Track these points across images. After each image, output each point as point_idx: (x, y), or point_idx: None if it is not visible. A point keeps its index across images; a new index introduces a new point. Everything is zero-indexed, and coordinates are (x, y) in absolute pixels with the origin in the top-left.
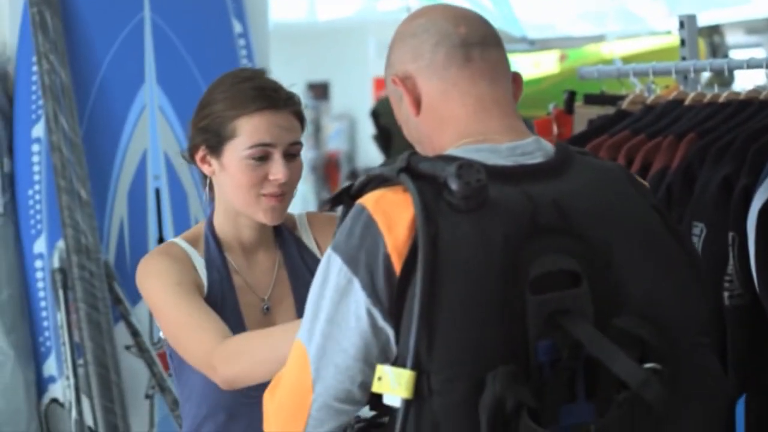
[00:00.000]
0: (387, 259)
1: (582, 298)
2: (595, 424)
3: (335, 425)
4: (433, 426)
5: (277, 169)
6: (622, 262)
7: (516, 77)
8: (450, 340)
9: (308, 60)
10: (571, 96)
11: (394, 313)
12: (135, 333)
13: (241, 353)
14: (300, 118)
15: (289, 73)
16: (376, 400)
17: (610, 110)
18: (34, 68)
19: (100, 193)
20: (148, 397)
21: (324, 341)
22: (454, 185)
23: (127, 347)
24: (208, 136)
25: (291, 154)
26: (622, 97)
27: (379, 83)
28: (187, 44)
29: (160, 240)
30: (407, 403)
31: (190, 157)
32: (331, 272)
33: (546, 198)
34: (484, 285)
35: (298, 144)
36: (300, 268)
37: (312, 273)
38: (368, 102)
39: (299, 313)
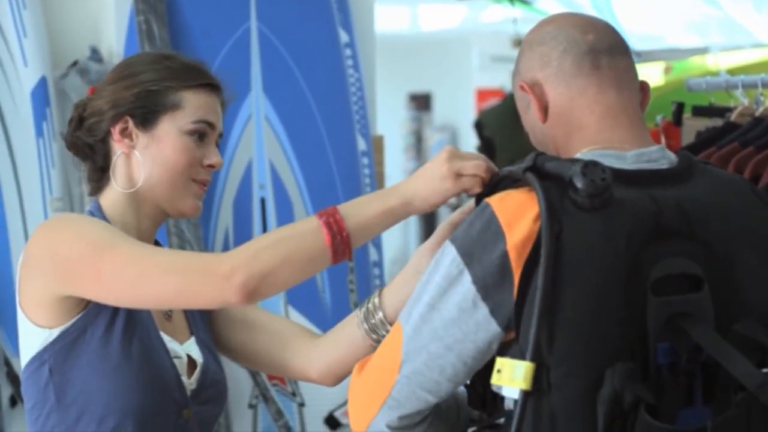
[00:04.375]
0: (505, 256)
1: (703, 302)
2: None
3: (411, 411)
4: (551, 419)
5: (215, 154)
6: (743, 268)
7: (643, 86)
8: (571, 335)
9: (411, 71)
10: (680, 107)
11: (513, 309)
12: None
13: (263, 248)
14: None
15: (392, 84)
16: (492, 402)
17: (718, 122)
18: None
19: (206, 203)
20: (251, 406)
21: (421, 324)
22: (579, 183)
23: None
24: (145, 103)
25: (216, 145)
26: (730, 109)
27: (482, 94)
28: (293, 54)
29: None
30: (525, 395)
31: (105, 128)
32: (444, 260)
33: (670, 201)
34: (607, 283)
35: (221, 137)
36: None
37: None
38: (470, 113)
39: (190, 328)
